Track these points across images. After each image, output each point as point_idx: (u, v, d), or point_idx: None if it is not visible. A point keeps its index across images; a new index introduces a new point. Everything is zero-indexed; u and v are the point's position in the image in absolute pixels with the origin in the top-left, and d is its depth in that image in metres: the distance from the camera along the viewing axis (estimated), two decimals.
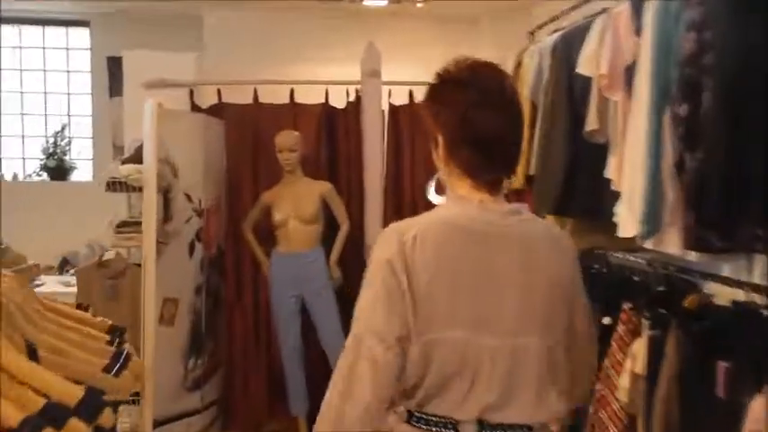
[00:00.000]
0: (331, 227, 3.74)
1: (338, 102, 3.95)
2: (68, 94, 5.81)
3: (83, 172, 5.76)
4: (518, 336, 1.16)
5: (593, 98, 2.06)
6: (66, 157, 5.68)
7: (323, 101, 3.92)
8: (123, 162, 3.38)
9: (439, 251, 1.15)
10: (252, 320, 3.90)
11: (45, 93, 5.79)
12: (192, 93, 3.85)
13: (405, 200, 3.98)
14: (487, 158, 1.18)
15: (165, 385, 3.21)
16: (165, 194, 3.18)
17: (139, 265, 3.10)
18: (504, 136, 1.18)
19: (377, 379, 1.12)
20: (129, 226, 3.38)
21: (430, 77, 1.23)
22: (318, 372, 3.72)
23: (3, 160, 5.75)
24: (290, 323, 3.57)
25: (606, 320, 2.17)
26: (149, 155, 2.83)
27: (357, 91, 3.87)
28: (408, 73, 3.90)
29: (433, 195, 1.35)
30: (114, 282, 3.38)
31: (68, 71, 5.80)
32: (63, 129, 5.70)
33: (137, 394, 3.21)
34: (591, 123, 2.07)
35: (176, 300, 3.29)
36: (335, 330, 3.53)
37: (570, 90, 2.33)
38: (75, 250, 5.13)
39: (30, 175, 5.75)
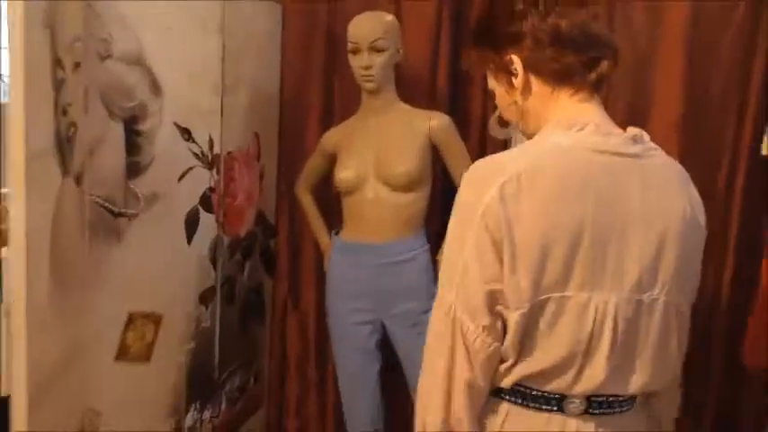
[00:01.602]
0: (444, 197, 2.10)
1: None
2: None
3: None
4: (643, 291, 0.99)
5: None
6: None
7: None
8: None
9: (556, 191, 0.94)
10: (315, 338, 2.41)
11: None
12: None
13: None
14: (583, 47, 1.01)
15: None
16: (131, 126, 1.69)
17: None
18: (591, 22, 1.03)
19: (474, 368, 0.98)
20: None
21: None
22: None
23: None
24: (361, 367, 2.00)
25: None
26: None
27: None
28: None
29: (495, 129, 1.19)
30: None
31: None
32: None
33: None
34: None
35: (157, 316, 1.84)
36: None
37: None
38: None
39: None
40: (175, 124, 1.80)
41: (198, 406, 2.02)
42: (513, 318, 0.96)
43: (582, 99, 1.03)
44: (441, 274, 1.01)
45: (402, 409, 2.23)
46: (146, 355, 1.82)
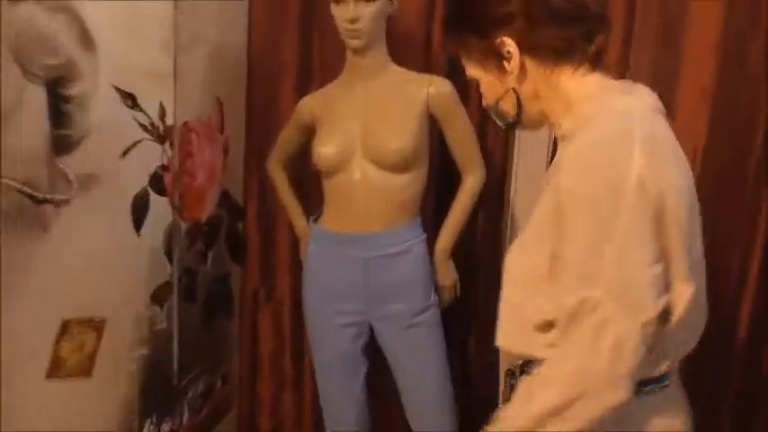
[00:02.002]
0: (442, 177, 1.80)
1: None
2: None
3: None
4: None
5: None
6: None
7: None
8: None
9: (667, 150, 0.91)
10: (291, 328, 2.12)
11: None
12: None
13: None
14: (577, 20, 0.95)
15: None
16: (56, 89, 1.35)
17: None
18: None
19: (629, 378, 0.84)
20: None
21: None
22: None
23: None
24: (344, 374, 1.72)
25: None
26: None
27: None
28: None
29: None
30: None
31: None
32: None
33: None
34: None
35: (99, 322, 1.53)
36: (439, 400, 1.67)
37: None
38: None
39: None
40: (116, 88, 1.47)
41: (155, 420, 1.73)
42: (688, 293, 0.89)
43: (585, 72, 0.98)
44: (570, 270, 0.85)
45: (389, 410, 1.98)
46: (86, 369, 1.51)
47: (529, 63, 0.98)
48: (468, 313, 1.96)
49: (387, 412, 1.94)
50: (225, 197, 1.93)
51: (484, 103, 1.07)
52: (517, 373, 1.00)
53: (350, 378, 1.69)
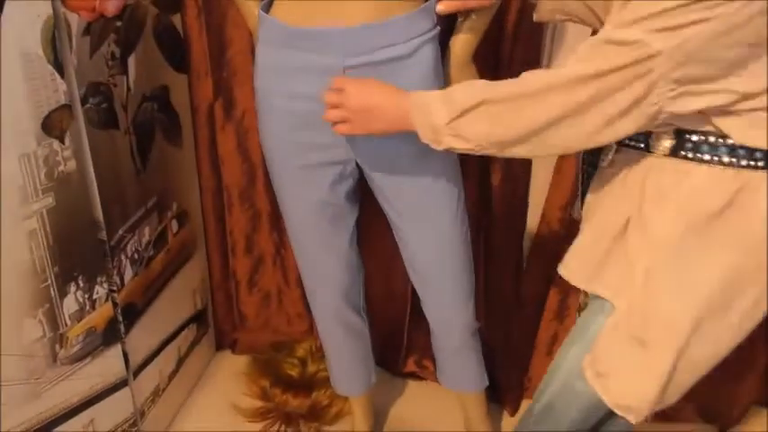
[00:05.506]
0: None
1: None
2: None
3: None
4: None
5: None
6: None
7: None
8: None
9: None
10: (261, 153, 1.66)
11: None
12: None
13: None
14: None
15: None
16: None
17: None
18: None
19: None
20: None
21: None
22: (393, 316, 1.59)
23: None
24: (323, 232, 1.26)
25: None
26: None
27: None
28: None
29: None
30: None
31: None
32: None
33: None
34: None
35: None
36: (452, 253, 1.25)
37: None
38: None
39: None
40: None
41: (81, 282, 1.33)
42: None
43: None
44: None
45: (389, 273, 1.60)
46: None
47: None
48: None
49: (386, 276, 1.56)
50: None
51: None
52: None
53: (332, 234, 1.25)
